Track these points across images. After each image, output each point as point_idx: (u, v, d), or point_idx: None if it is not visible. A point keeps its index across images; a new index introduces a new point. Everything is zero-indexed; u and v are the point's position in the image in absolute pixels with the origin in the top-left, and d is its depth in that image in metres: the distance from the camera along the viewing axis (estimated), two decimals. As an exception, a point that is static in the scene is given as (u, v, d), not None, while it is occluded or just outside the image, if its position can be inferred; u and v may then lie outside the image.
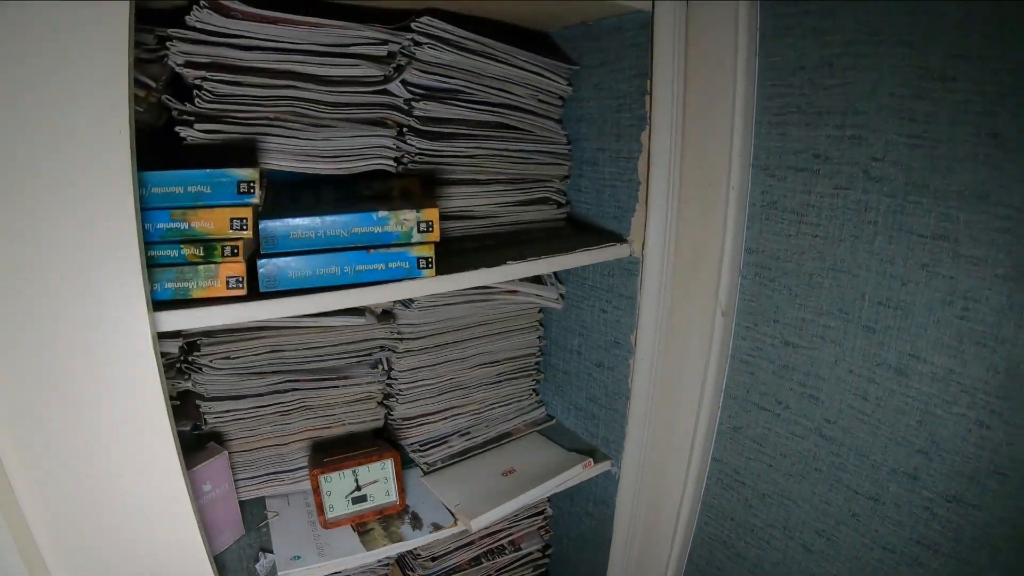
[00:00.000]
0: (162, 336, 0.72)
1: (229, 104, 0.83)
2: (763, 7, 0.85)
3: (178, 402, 0.93)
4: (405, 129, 0.94)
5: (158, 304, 0.70)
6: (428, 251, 0.83)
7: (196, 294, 0.74)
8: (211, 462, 0.89)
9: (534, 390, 1.23)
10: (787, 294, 0.89)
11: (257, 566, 0.89)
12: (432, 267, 0.83)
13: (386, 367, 1.04)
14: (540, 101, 1.04)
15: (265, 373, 0.96)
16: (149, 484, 0.70)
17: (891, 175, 0.74)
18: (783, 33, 0.83)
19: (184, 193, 0.74)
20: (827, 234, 0.82)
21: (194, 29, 0.79)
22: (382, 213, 0.81)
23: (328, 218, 0.79)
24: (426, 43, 0.90)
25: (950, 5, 0.67)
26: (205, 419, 0.95)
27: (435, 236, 0.83)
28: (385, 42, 0.89)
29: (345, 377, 1.01)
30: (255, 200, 0.75)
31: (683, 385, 1.01)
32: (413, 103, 0.92)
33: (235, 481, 0.97)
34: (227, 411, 0.95)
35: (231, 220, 0.75)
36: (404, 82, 0.92)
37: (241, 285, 0.75)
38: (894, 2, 0.71)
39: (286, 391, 0.97)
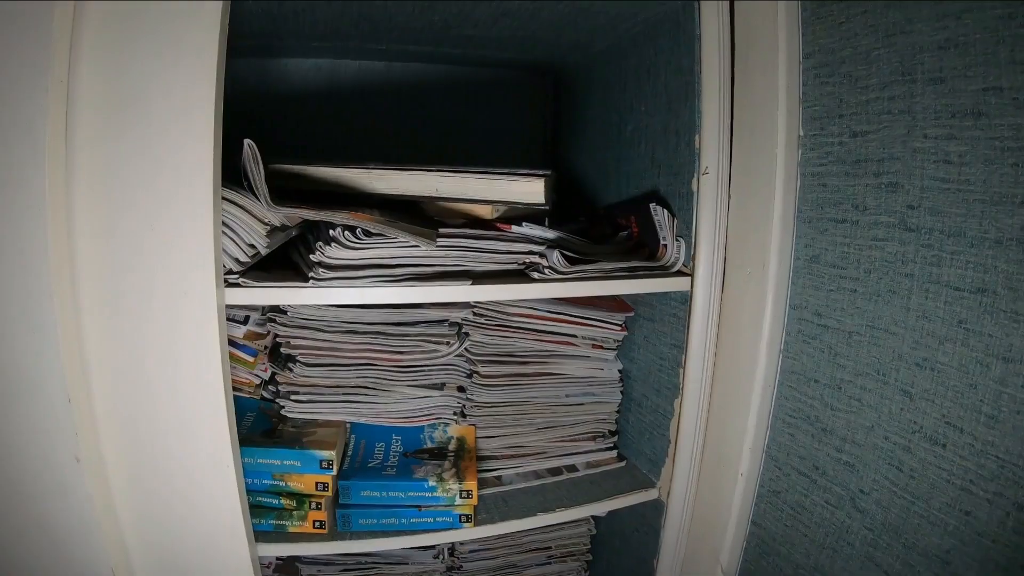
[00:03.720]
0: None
1: (317, 376, 1.06)
2: (794, 276, 0.92)
3: (283, 561, 1.22)
4: (466, 388, 1.13)
5: (263, 535, 0.98)
6: (468, 510, 1.04)
7: (291, 529, 1.01)
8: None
9: (584, 568, 1.40)
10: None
11: None
12: (471, 521, 1.04)
13: (446, 556, 1.27)
14: (595, 347, 1.18)
15: (349, 554, 1.22)
16: None
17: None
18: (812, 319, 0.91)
19: (281, 464, 1.00)
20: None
21: (289, 315, 1.03)
22: (431, 483, 1.02)
23: (389, 483, 1.02)
24: (485, 314, 1.08)
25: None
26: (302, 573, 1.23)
27: (473, 501, 1.03)
28: (445, 320, 1.08)
29: (412, 561, 1.25)
30: (333, 472, 1.00)
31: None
32: (472, 364, 1.11)
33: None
34: (318, 571, 1.23)
35: (316, 483, 1.01)
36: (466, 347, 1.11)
37: (324, 527, 1.01)
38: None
39: (366, 563, 1.23)
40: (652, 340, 1.16)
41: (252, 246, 0.85)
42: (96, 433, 0.80)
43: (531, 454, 1.19)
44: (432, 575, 1.28)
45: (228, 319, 1.03)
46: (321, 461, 1.00)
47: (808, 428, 0.92)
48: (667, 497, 1.13)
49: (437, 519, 1.04)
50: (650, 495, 1.16)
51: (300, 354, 1.05)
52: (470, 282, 0.92)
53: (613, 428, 1.25)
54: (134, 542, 0.86)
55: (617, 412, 1.25)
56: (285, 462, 1.00)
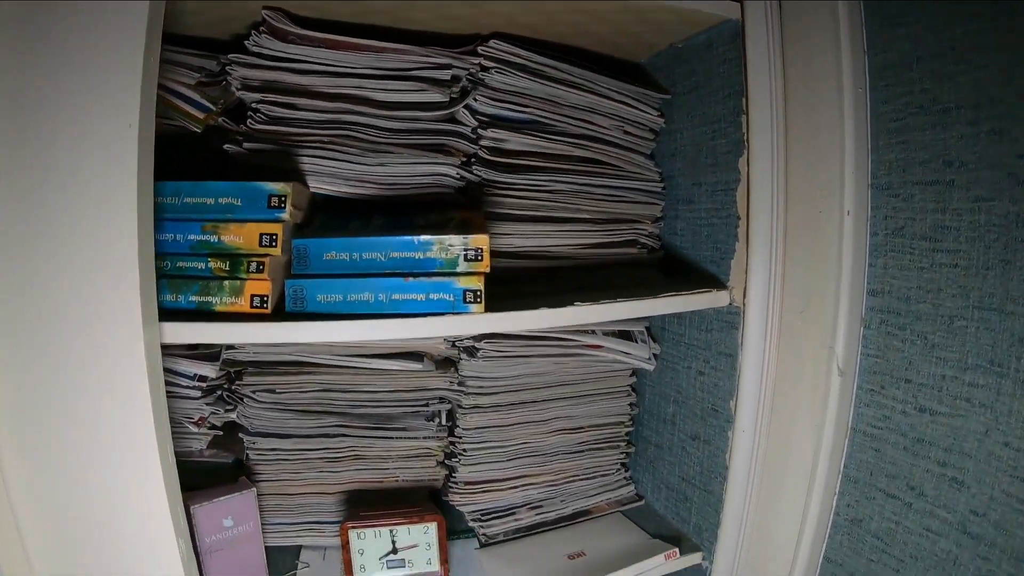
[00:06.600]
0: (170, 348, 0.70)
1: (283, 126, 0.81)
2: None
3: (221, 432, 0.89)
4: (472, 159, 0.86)
5: (177, 314, 0.67)
6: (476, 283, 0.73)
7: (219, 309, 0.71)
8: (235, 497, 0.82)
9: (623, 464, 1.07)
10: (921, 345, 0.70)
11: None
12: (480, 302, 0.73)
13: (444, 422, 0.94)
14: (627, 133, 0.94)
15: (312, 413, 0.89)
16: (135, 506, 0.65)
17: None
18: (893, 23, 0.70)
19: (215, 204, 0.72)
20: (969, 262, 0.64)
21: (252, 54, 0.79)
22: (424, 237, 0.73)
23: (364, 240, 0.73)
24: (493, 67, 0.84)
25: None
26: (248, 454, 0.89)
27: (484, 266, 0.73)
28: (448, 66, 0.83)
29: (401, 428, 0.92)
30: (285, 215, 0.72)
31: (791, 464, 0.82)
32: (480, 130, 0.85)
33: (272, 525, 0.91)
34: (271, 449, 0.89)
35: (260, 236, 0.72)
36: (471, 110, 0.85)
37: (266, 305, 0.71)
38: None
39: (335, 436, 0.90)
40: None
41: None
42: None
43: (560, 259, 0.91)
44: (426, 462, 0.94)
45: (176, 63, 0.79)
46: (271, 197, 0.72)
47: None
48: (744, 298, 0.84)
49: (431, 295, 0.73)
50: (719, 299, 0.86)
51: (261, 101, 0.79)
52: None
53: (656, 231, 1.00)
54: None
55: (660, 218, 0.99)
56: (220, 200, 0.72)
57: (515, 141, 0.87)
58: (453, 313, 0.73)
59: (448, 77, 0.84)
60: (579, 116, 0.90)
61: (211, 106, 0.82)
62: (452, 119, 0.86)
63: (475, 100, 0.84)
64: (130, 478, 0.64)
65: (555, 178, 0.89)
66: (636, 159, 0.95)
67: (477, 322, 0.74)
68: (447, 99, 0.83)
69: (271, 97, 0.80)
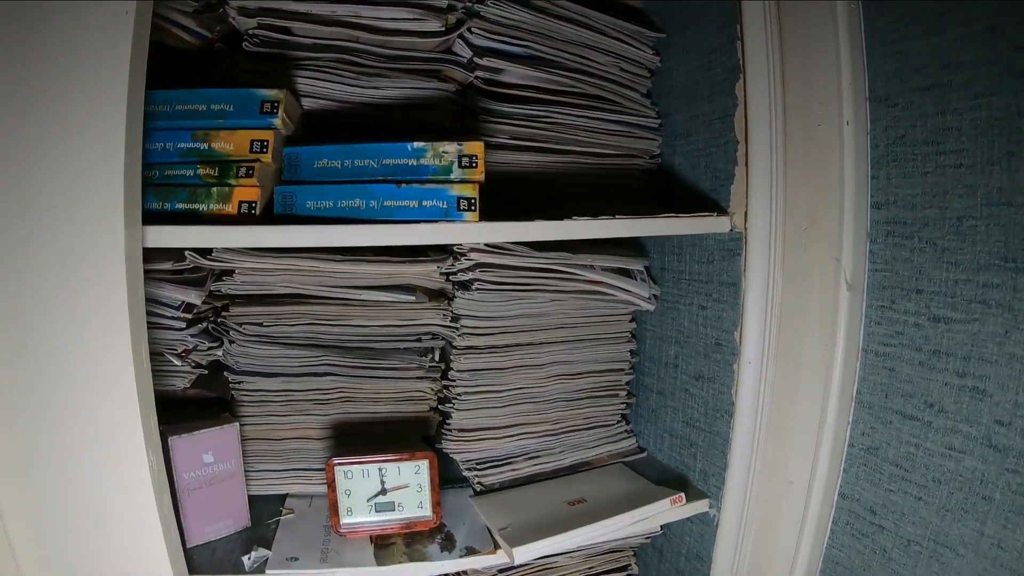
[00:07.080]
0: (155, 272, 0.73)
1: (278, 49, 0.80)
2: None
3: (206, 371, 0.85)
4: (467, 87, 0.86)
5: (161, 216, 0.66)
6: (470, 191, 0.71)
7: (206, 214, 0.69)
8: (215, 430, 0.78)
9: (623, 415, 1.03)
10: (931, 251, 0.66)
11: (245, 558, 0.74)
12: (475, 209, 0.71)
13: (437, 360, 0.90)
14: (623, 70, 0.93)
15: (300, 347, 0.85)
16: (104, 408, 0.62)
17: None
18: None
19: (207, 111, 0.71)
20: (973, 159, 0.61)
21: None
22: (418, 144, 0.72)
23: (358, 146, 0.72)
24: None
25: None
26: (233, 395, 0.85)
27: (479, 174, 0.72)
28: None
29: (392, 368, 0.88)
30: (277, 122, 0.71)
31: (800, 394, 0.78)
32: (476, 59, 0.84)
33: (257, 472, 0.87)
34: (257, 389, 0.85)
35: (251, 142, 0.71)
36: (467, 43, 0.84)
37: (254, 210, 0.69)
38: None
39: (323, 374, 0.86)
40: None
41: None
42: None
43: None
44: (418, 405, 0.90)
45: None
46: (264, 102, 0.71)
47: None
48: (745, 222, 0.82)
49: (424, 202, 0.71)
50: (719, 224, 0.84)
51: (257, 26, 0.78)
52: None
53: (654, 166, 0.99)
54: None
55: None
56: (213, 107, 0.71)
57: (512, 73, 0.86)
58: (446, 221, 0.71)
59: (444, 6, 0.83)
60: (575, 52, 0.89)
61: (207, 33, 0.82)
62: (448, 50, 0.85)
63: (471, 32, 0.83)
64: (100, 380, 0.61)
65: (552, 110, 0.88)
66: (632, 96, 0.94)
67: (470, 230, 0.72)
68: (443, 27, 0.83)
69: (267, 21, 0.79)
